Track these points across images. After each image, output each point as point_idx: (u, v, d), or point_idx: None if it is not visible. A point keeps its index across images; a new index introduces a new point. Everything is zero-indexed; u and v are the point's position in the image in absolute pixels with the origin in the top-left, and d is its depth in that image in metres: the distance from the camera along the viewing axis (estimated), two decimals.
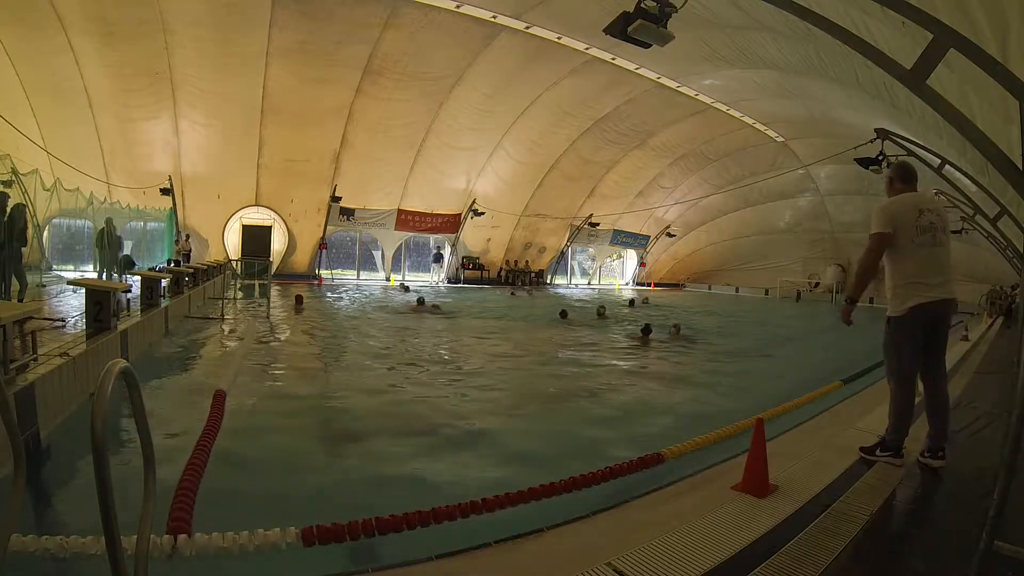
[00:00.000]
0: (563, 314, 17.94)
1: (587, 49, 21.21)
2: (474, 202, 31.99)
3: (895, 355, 4.42)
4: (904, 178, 4.61)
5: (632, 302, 25.69)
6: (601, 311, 19.12)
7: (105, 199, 21.31)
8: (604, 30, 8.48)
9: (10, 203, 11.22)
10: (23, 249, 11.41)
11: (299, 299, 17.64)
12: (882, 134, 14.75)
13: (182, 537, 2.63)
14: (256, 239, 28.43)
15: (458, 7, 18.83)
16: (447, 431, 6.39)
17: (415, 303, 18.41)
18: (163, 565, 2.60)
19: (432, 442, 6.02)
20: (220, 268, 21.30)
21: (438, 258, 34.41)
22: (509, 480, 4.36)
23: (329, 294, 23.38)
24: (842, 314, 4.68)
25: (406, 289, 25.99)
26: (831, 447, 4.89)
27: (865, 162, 16.34)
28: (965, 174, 12.06)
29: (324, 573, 2.87)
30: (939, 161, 12.39)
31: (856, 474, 4.23)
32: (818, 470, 4.27)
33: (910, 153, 13.30)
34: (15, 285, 11.12)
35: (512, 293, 29.27)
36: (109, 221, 17.34)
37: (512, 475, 4.92)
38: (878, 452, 4.50)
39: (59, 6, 17.46)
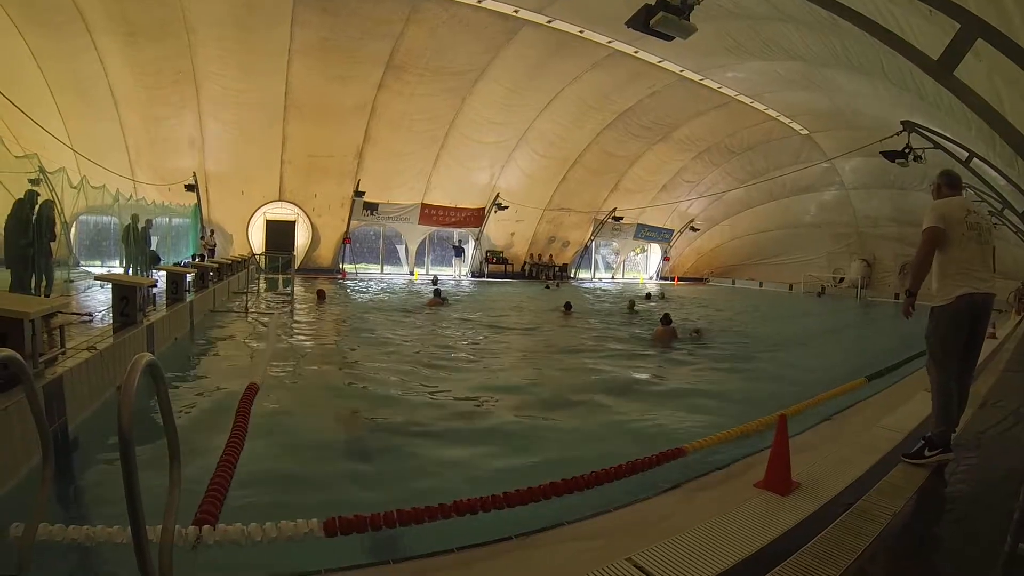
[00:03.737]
0: (567, 306, 17.97)
1: (610, 43, 21.07)
2: (498, 196, 31.91)
3: (940, 345, 4.41)
4: (951, 184, 4.74)
5: (649, 295, 25.90)
6: (632, 305, 19.13)
7: (131, 196, 21.58)
8: (626, 23, 8.44)
9: (39, 200, 11.41)
10: (52, 244, 11.60)
11: (321, 294, 17.79)
12: (908, 127, 14.57)
13: (206, 527, 2.66)
14: (280, 234, 28.66)
15: (480, 2, 18.81)
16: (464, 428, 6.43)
17: (432, 296, 18.39)
18: (191, 555, 2.63)
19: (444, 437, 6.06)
20: (244, 263, 21.50)
21: (459, 252, 34.45)
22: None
23: (351, 289, 23.52)
24: (904, 306, 4.71)
25: (435, 281, 26.05)
26: (855, 445, 4.85)
27: (891, 155, 16.11)
28: (994, 167, 11.88)
29: (348, 564, 2.89)
30: (967, 154, 12.23)
31: (880, 473, 4.19)
32: (841, 468, 4.23)
33: (937, 146, 13.13)
34: (42, 280, 11.30)
35: (550, 287, 30.05)
36: (135, 217, 17.55)
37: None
38: (927, 452, 4.37)
39: (83, 7, 17.70)
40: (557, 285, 31.32)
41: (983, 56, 5.13)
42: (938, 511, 3.71)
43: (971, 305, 4.29)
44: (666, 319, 13.47)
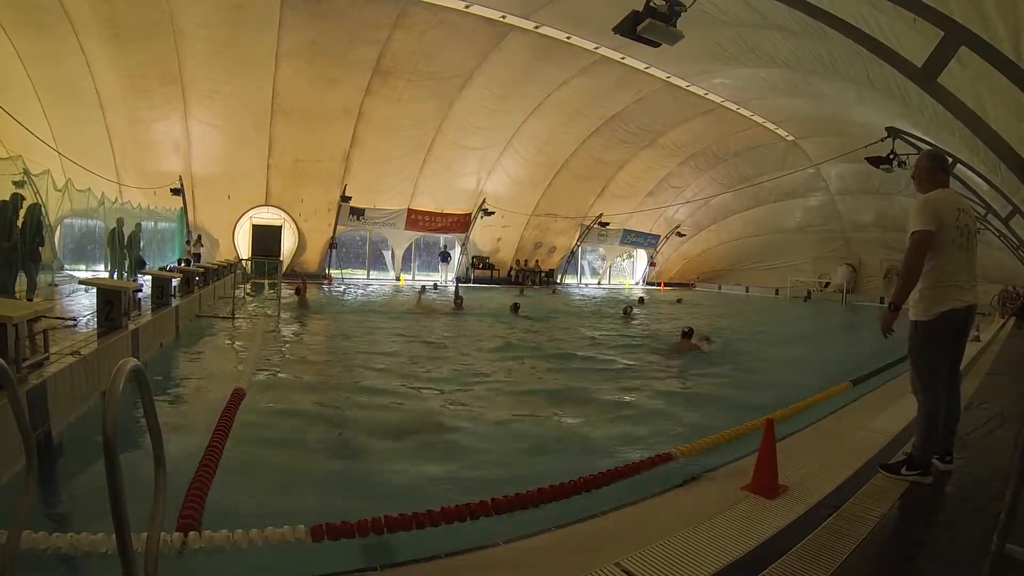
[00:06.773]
0: (515, 308, 18.22)
1: (596, 48, 21.15)
2: (484, 201, 31.94)
3: (925, 363, 4.16)
4: (943, 166, 4.41)
5: (642, 300, 26.29)
6: (628, 310, 19.25)
7: (116, 199, 21.42)
8: (613, 29, 8.48)
9: (24, 204, 11.30)
10: (39, 249, 11.51)
11: (299, 290, 17.69)
12: (893, 133, 14.70)
13: (192, 534, 2.64)
14: (266, 239, 28.56)
15: (467, 7, 18.82)
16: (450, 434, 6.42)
17: (418, 293, 18.32)
18: (177, 562, 2.61)
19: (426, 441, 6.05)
20: (231, 268, 21.37)
21: (445, 257, 34.52)
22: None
23: (337, 293, 23.47)
24: (883, 323, 4.24)
25: (429, 289, 25.77)
26: (841, 448, 4.87)
27: (876, 161, 16.27)
28: (977, 173, 12.00)
29: (335, 570, 2.87)
30: (951, 160, 12.32)
31: (866, 475, 4.21)
32: (828, 471, 4.26)
33: (920, 152, 13.22)
34: (23, 284, 11.18)
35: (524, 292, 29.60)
36: (120, 221, 17.42)
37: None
38: (904, 471, 4.18)
39: (70, 8, 17.57)
40: (553, 291, 31.33)
41: (967, 63, 5.18)
42: (924, 513, 3.73)
43: (954, 320, 4.09)
44: (689, 332, 12.93)
